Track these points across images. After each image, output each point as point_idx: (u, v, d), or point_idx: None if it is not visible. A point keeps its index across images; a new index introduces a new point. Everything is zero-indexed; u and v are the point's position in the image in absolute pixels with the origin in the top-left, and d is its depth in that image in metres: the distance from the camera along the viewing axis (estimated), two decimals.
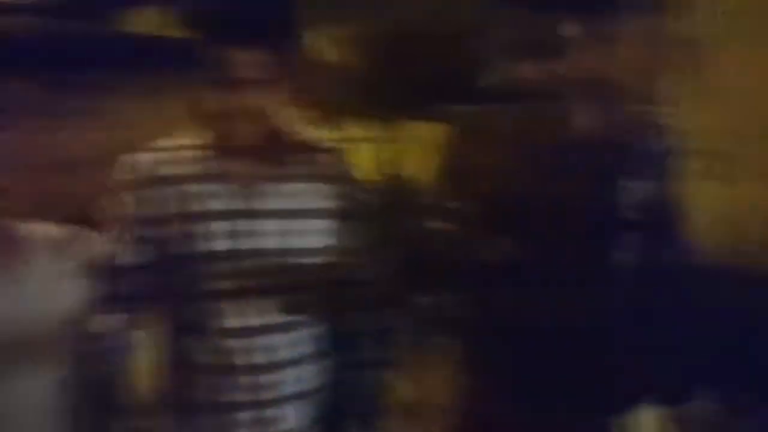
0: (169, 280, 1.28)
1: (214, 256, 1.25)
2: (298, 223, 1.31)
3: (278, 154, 1.31)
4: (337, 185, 1.35)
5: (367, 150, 2.68)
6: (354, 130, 2.64)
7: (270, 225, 1.29)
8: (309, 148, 1.37)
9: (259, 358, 1.25)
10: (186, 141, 1.32)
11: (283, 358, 1.27)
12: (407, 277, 1.24)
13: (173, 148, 1.31)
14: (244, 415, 1.25)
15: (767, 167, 2.97)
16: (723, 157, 4.39)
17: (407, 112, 2.51)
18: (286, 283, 1.28)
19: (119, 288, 1.28)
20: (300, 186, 1.33)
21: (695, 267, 1.37)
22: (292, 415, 1.28)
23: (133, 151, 1.24)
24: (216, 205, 1.27)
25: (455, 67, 2.29)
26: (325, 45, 2.77)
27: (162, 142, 1.33)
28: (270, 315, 1.26)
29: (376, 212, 1.39)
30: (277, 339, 1.27)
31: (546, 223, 1.22)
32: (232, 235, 1.26)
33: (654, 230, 1.28)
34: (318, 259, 1.31)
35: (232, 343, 1.25)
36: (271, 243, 1.29)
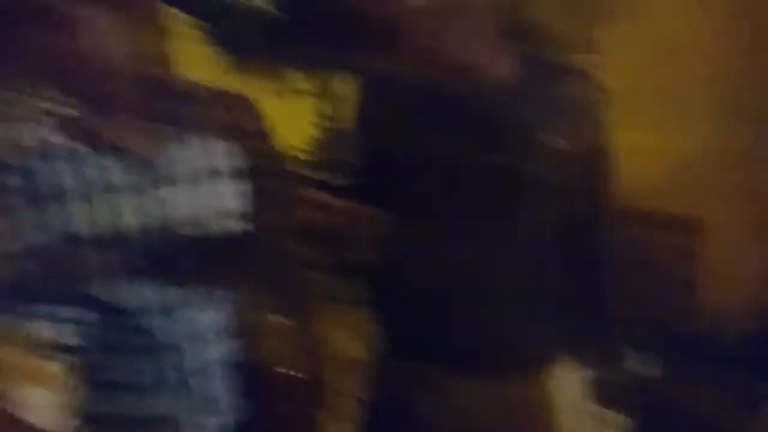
0: (67, 261, 1.14)
1: (109, 234, 1.12)
2: (204, 188, 1.19)
3: (171, 107, 1.16)
4: (246, 140, 1.23)
5: (275, 102, 2.55)
6: (264, 79, 2.49)
7: (173, 192, 1.16)
8: (211, 98, 1.23)
9: (167, 337, 1.17)
10: (52, 105, 1.14)
11: (186, 334, 1.18)
12: (307, 237, 1.15)
13: (45, 112, 1.13)
14: (158, 393, 1.17)
15: (692, 116, 3.00)
16: (650, 106, 4.45)
17: (322, 62, 2.39)
18: (198, 254, 1.17)
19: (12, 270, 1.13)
20: (203, 144, 1.19)
21: (619, 217, 1.32)
22: (204, 389, 1.21)
23: None
24: (102, 178, 1.13)
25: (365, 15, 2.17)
26: None
27: (28, 106, 1.14)
28: (178, 289, 1.16)
29: (279, 170, 1.29)
30: (184, 315, 1.18)
31: (456, 181, 1.16)
32: (129, 208, 1.12)
33: (576, 183, 1.22)
34: (227, 225, 1.20)
35: (143, 321, 1.15)
36: (178, 212, 1.16)
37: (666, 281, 2.92)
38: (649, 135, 4.40)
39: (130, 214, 1.14)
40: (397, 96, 1.20)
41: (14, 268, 1.13)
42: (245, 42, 2.41)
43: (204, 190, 1.18)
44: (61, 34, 1.00)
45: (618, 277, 1.31)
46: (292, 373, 1.28)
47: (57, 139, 1.11)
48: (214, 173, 1.19)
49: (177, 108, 1.17)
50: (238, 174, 1.20)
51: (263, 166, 1.22)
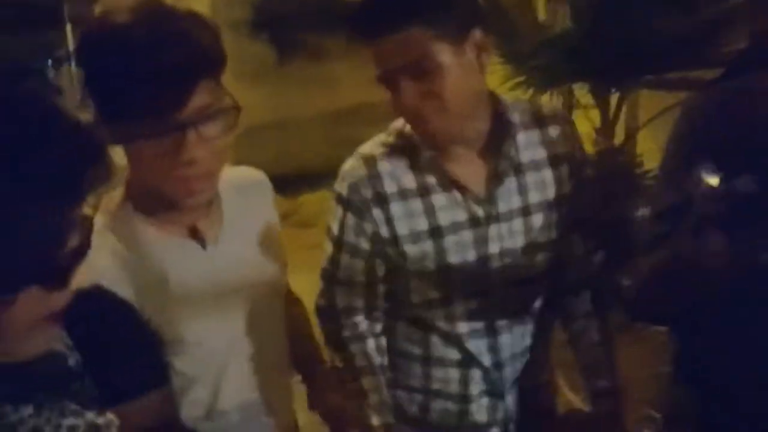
0: (398, 291, 1.20)
1: (447, 268, 1.14)
2: (534, 219, 1.15)
3: (506, 141, 1.11)
4: (572, 163, 1.15)
5: (581, 119, 2.52)
6: (567, 96, 2.49)
7: (504, 228, 1.14)
8: (536, 122, 1.16)
9: (488, 357, 1.18)
10: (396, 141, 1.15)
11: (507, 355, 1.19)
12: (614, 259, 1.10)
13: (386, 154, 1.14)
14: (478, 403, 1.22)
15: None
16: None
17: (625, 78, 2.31)
18: (519, 282, 1.14)
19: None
20: (535, 175, 1.15)
21: None
22: (505, 406, 1.26)
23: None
24: (445, 218, 1.13)
25: (682, 32, 2.01)
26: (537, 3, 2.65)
27: (370, 148, 1.16)
28: (499, 315, 1.16)
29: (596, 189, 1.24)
30: (505, 338, 1.20)
31: None
32: (461, 247, 1.13)
33: None
34: (547, 254, 1.15)
35: (467, 340, 1.18)
36: (507, 244, 1.14)
37: None
38: None
39: (462, 246, 1.14)
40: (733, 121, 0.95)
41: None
42: (538, 59, 2.43)
43: (532, 223, 1.16)
44: (427, 78, 1.08)
45: None
46: (580, 402, 1.25)
47: (407, 176, 1.14)
48: (545, 206, 1.16)
49: (506, 140, 1.13)
50: (561, 204, 1.16)
51: (587, 193, 1.17)
